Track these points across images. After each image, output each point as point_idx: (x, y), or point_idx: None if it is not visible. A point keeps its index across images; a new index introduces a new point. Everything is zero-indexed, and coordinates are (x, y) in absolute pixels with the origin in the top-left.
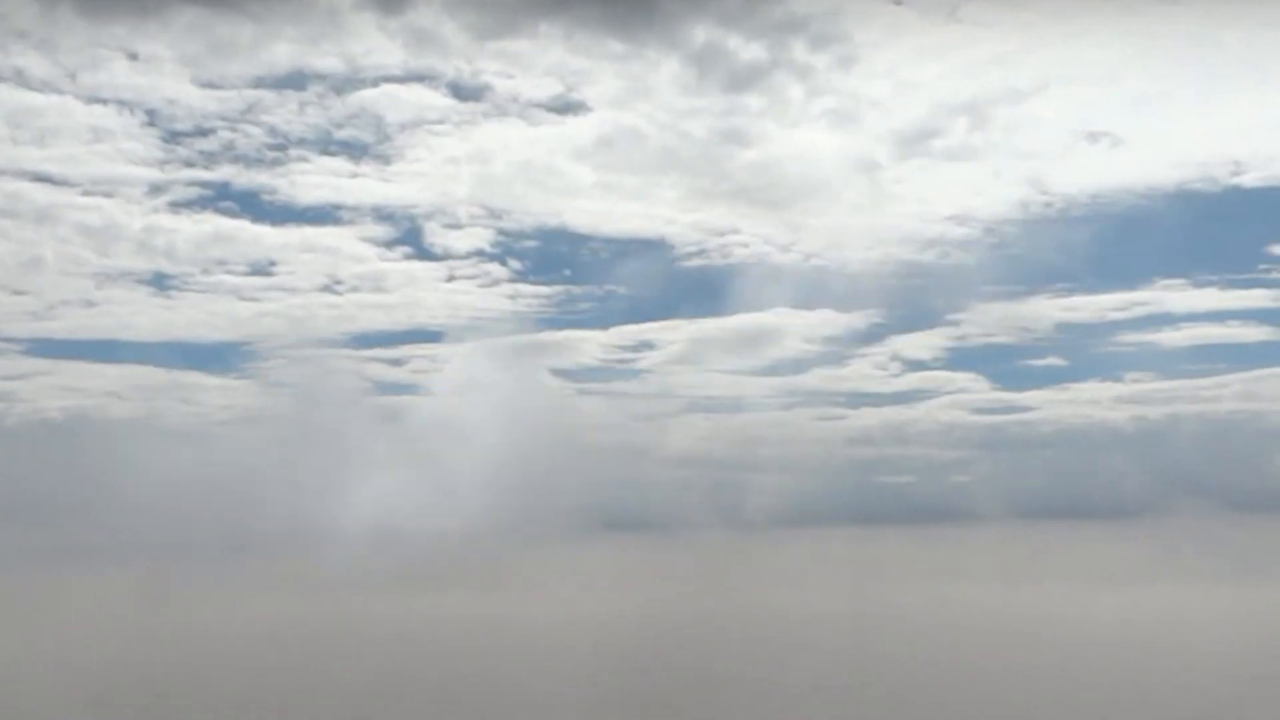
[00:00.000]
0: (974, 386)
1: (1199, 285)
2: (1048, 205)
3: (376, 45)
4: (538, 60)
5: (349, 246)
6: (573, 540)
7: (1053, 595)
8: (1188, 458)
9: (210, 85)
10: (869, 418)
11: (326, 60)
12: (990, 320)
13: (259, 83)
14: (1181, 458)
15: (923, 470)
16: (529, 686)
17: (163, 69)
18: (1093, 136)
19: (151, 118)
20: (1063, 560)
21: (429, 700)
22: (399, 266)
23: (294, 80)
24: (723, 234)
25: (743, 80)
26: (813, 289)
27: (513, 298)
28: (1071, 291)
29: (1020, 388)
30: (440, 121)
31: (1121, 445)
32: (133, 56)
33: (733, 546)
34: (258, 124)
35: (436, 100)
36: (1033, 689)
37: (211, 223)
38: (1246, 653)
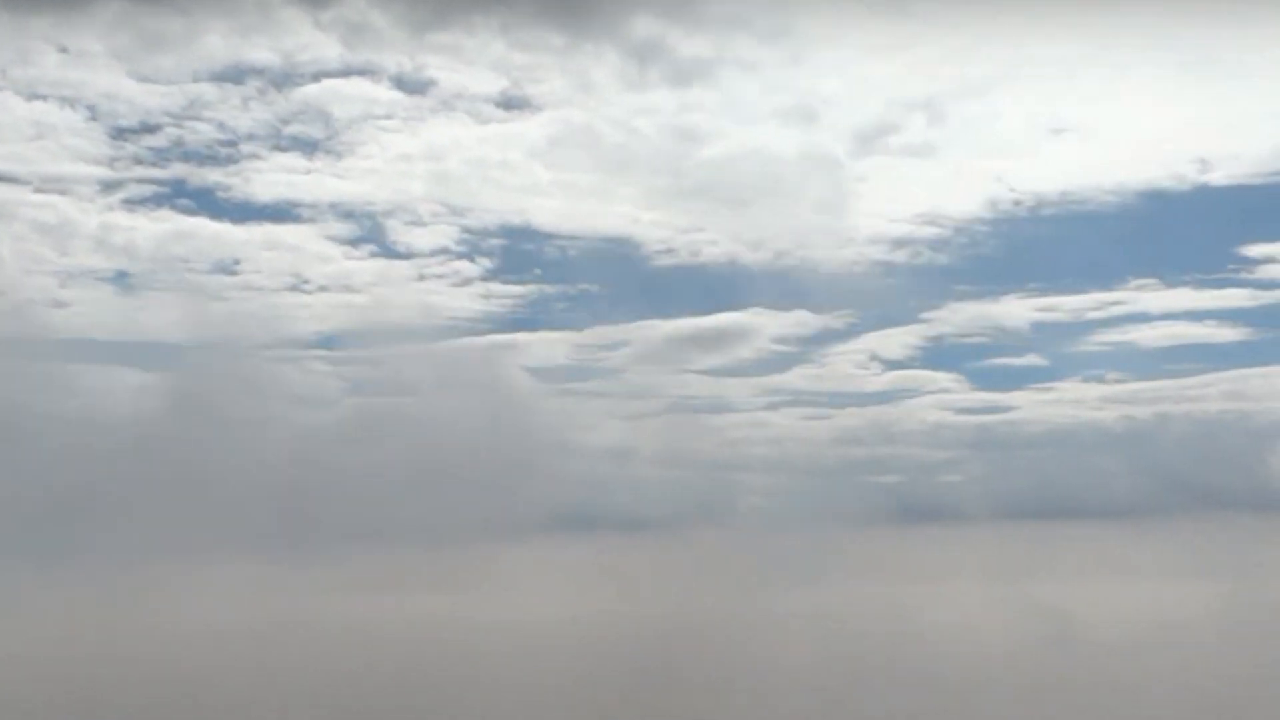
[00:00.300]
0: (956, 386)
1: (1172, 285)
2: (1016, 203)
3: (311, 39)
4: (478, 55)
5: (313, 245)
6: (553, 541)
7: (1055, 595)
8: (1178, 458)
9: (148, 80)
10: (853, 418)
11: (261, 55)
12: (967, 320)
13: (196, 77)
14: (1172, 458)
15: (911, 470)
16: (503, 687)
17: (95, 63)
18: (1054, 133)
19: (93, 113)
20: (1061, 560)
21: (395, 702)
22: (366, 265)
23: (231, 75)
24: (689, 232)
25: (687, 75)
26: (787, 288)
27: (486, 297)
28: (1046, 291)
29: (1003, 388)
30: (387, 117)
31: (1110, 445)
32: (62, 50)
33: (719, 547)
34: (204, 120)
35: (380, 95)
36: (1032, 689)
37: (170, 221)
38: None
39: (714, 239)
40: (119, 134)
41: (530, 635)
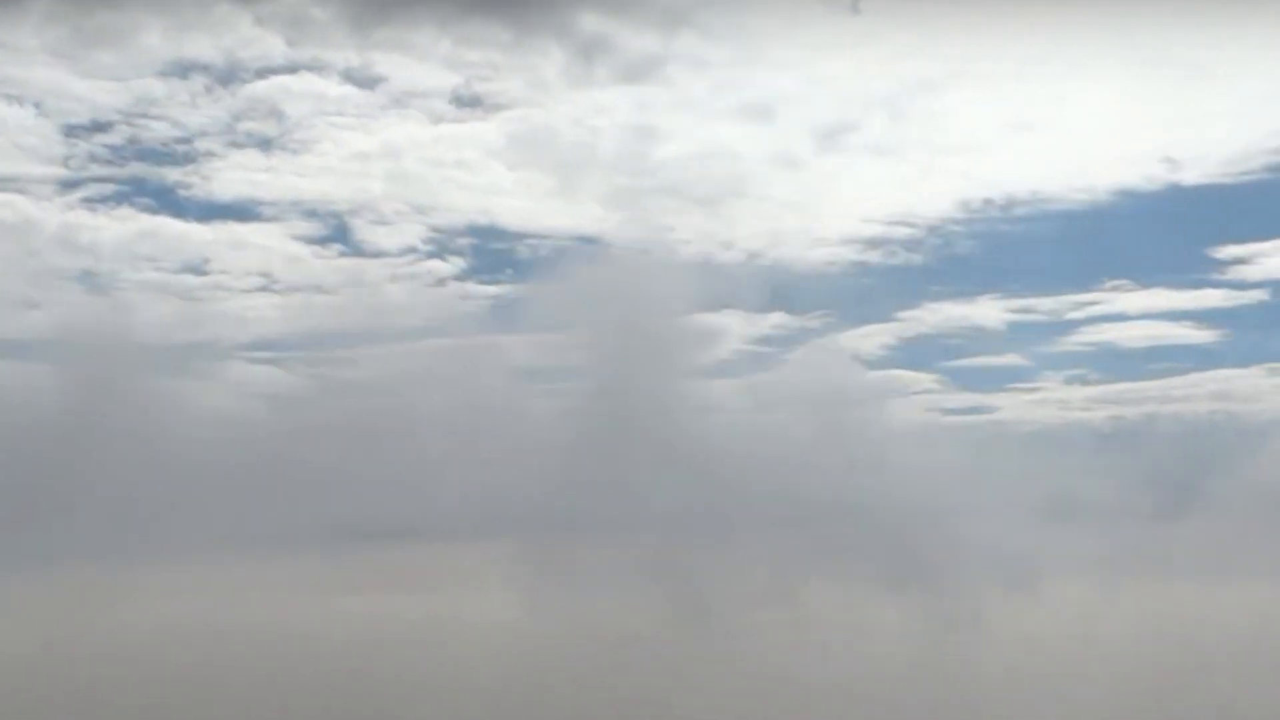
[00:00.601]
0: (939, 387)
1: (1147, 286)
2: (987, 202)
3: (252, 35)
4: (426, 51)
5: (280, 244)
6: (535, 542)
7: (1053, 596)
8: (1168, 459)
9: (92, 76)
10: (840, 419)
11: (203, 51)
12: (945, 320)
13: (140, 74)
14: (1162, 458)
15: (902, 470)
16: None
17: (35, 60)
18: (1016, 131)
19: (40, 110)
20: (1064, 561)
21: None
22: (336, 265)
23: (176, 72)
24: (660, 232)
25: (637, 73)
26: (762, 289)
27: (463, 298)
28: (1022, 292)
29: (985, 388)
30: (340, 114)
31: (1099, 446)
32: (1, 46)
33: (706, 548)
34: (155, 117)
35: (330, 91)
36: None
37: (133, 220)
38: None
39: (686, 239)
40: (71, 132)
41: (498, 637)
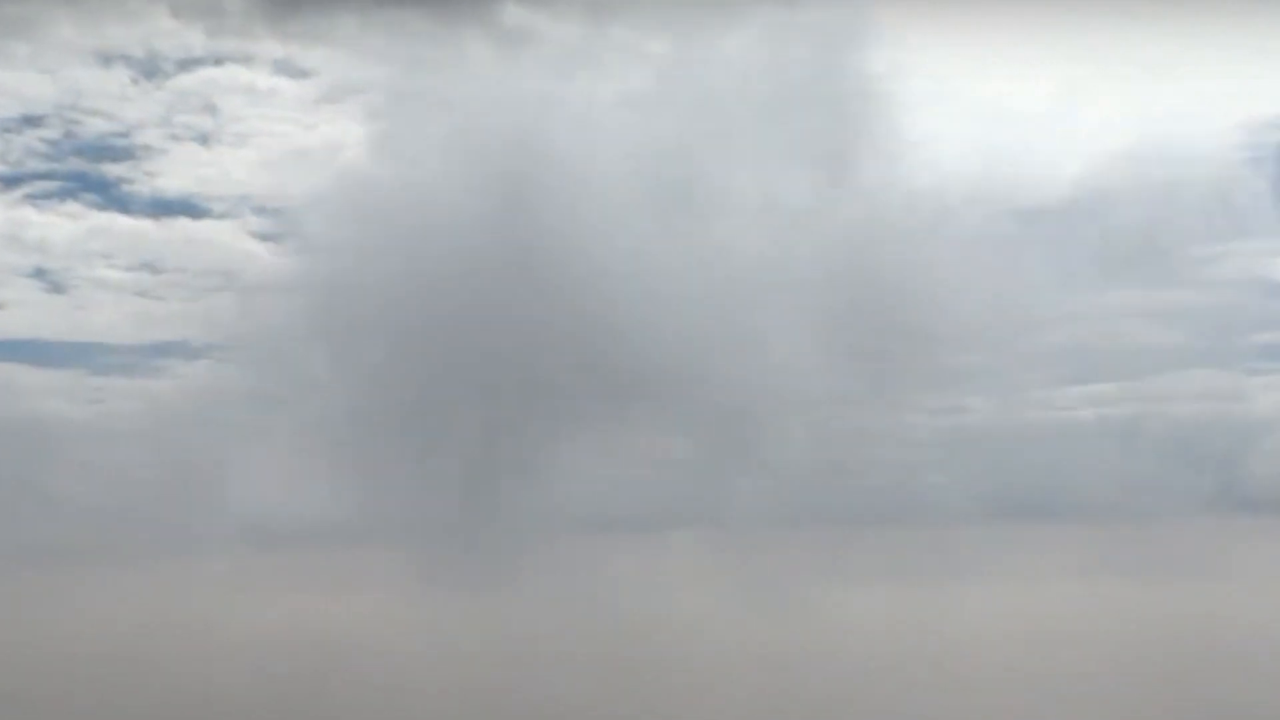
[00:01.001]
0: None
1: (1124, 286)
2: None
3: (170, 26)
4: (351, 43)
5: (237, 241)
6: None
7: (1048, 596)
8: (1153, 459)
9: (13, 68)
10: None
11: (122, 41)
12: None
13: (63, 65)
14: (1147, 459)
15: (893, 471)
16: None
17: None
18: (966, 125)
19: None
20: (1053, 562)
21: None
22: (293, 262)
23: (99, 62)
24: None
25: (569, 66)
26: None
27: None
28: (1002, 293)
29: (970, 389)
30: (272, 107)
31: (1087, 446)
32: None
33: (706, 550)
34: (89, 111)
35: (258, 84)
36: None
37: (83, 217)
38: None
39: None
40: (3, 126)
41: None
